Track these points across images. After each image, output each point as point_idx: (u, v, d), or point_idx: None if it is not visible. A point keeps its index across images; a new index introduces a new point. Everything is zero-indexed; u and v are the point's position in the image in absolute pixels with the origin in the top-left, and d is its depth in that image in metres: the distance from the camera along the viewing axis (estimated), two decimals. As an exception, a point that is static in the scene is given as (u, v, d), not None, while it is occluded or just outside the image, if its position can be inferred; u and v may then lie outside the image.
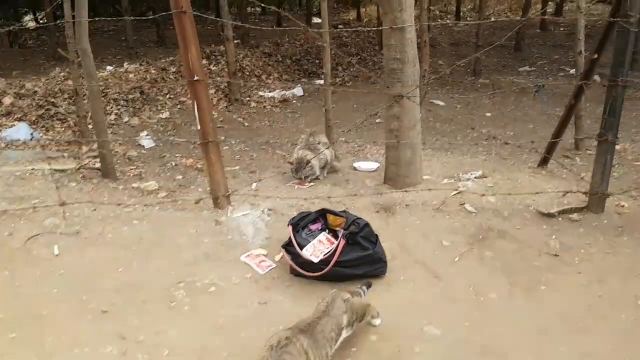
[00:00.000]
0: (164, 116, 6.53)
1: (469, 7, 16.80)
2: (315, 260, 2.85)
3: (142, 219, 3.50)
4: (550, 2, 13.69)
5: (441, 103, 7.63)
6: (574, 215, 3.51)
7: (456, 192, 3.80)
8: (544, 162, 4.59)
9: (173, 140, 5.72)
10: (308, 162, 4.12)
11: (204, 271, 2.96)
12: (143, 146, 5.51)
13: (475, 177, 4.16)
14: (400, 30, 3.57)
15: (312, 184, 4.18)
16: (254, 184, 4.09)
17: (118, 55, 9.92)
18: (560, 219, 3.49)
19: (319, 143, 4.34)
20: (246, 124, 6.74)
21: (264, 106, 7.43)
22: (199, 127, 3.38)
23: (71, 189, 4.00)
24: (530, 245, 3.22)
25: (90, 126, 4.87)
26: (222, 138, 6.03)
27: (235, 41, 10.88)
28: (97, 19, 3.92)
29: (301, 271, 2.87)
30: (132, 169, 4.72)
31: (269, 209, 3.60)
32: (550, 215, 3.50)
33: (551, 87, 8.31)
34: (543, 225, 3.44)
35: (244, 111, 7.18)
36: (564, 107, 4.34)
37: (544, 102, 7.17)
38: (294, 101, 7.92)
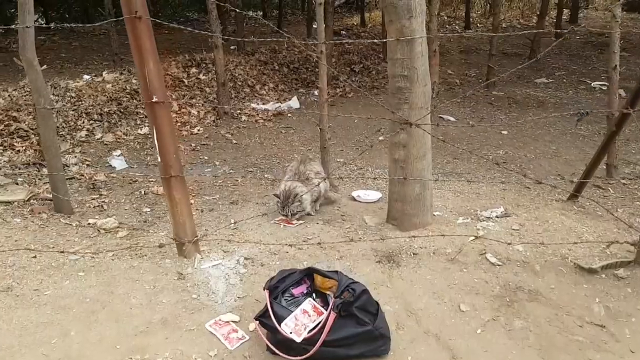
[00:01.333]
0: (142, 132, 5.83)
1: (479, 12, 16.13)
2: (298, 339, 2.19)
3: (90, 270, 2.85)
4: (565, 9, 13.00)
5: (452, 119, 6.96)
6: (620, 271, 2.85)
7: (474, 237, 3.14)
8: (574, 195, 3.93)
9: (148, 162, 5.05)
10: (296, 195, 3.46)
11: (158, 344, 2.33)
12: (114, 167, 4.86)
13: (496, 216, 3.49)
14: (409, 43, 2.91)
15: (301, 221, 3.52)
16: (232, 224, 3.44)
17: (104, 62, 9.28)
18: (603, 275, 2.84)
19: (311, 173, 3.67)
20: (234, 141, 6.06)
21: (256, 120, 6.75)
22: (159, 159, 2.75)
23: (13, 227, 3.36)
24: (569, 312, 2.58)
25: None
26: (206, 158, 5.38)
27: (232, 47, 10.27)
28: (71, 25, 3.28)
29: (279, 353, 2.23)
30: (93, 199, 4.05)
31: (246, 258, 2.96)
32: (591, 271, 2.84)
33: (573, 101, 7.62)
34: (583, 283, 2.79)
35: (233, 126, 6.51)
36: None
37: (567, 119, 6.49)
38: (289, 114, 7.24)
